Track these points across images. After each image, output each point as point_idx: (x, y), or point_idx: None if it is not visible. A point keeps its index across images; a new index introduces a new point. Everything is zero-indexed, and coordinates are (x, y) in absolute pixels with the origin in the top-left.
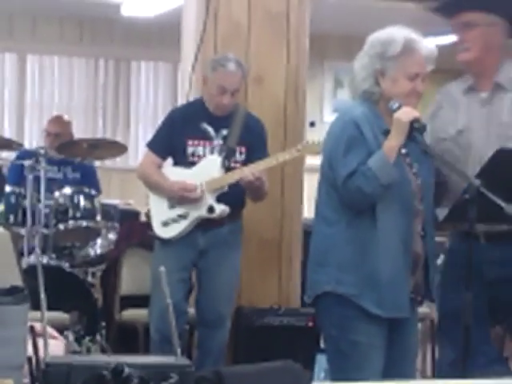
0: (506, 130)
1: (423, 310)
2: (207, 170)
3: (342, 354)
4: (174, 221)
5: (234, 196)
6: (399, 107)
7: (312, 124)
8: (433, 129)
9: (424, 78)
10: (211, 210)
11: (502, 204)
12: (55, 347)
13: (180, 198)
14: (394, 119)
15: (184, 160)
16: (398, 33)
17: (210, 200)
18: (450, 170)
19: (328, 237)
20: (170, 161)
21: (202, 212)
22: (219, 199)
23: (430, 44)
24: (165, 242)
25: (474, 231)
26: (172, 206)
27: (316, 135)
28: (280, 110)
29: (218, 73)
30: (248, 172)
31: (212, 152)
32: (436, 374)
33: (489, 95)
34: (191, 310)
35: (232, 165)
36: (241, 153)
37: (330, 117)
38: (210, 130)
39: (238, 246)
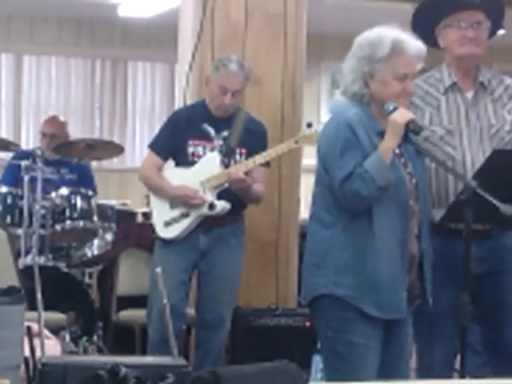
0: (497, 131)
1: None
2: (207, 167)
3: (338, 355)
4: (176, 220)
5: (235, 195)
6: (395, 109)
7: (309, 125)
8: None
9: (414, 76)
10: (212, 206)
11: (498, 204)
12: (52, 348)
13: (183, 203)
14: (390, 121)
15: (185, 160)
16: (385, 34)
17: (211, 197)
18: (445, 170)
19: (324, 239)
20: (171, 162)
21: (203, 209)
22: (221, 197)
23: (418, 42)
24: (166, 243)
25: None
26: (173, 206)
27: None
28: (277, 110)
29: (220, 73)
30: (250, 165)
31: (212, 152)
32: (422, 375)
33: (474, 95)
34: (189, 311)
35: (231, 163)
36: (241, 154)
37: (327, 117)
38: (211, 130)
39: (240, 247)
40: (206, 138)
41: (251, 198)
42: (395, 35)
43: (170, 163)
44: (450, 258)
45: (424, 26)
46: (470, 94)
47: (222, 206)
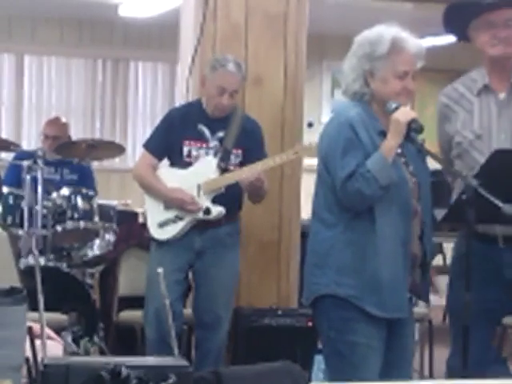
0: None
1: (421, 310)
2: (203, 171)
3: (340, 355)
4: (170, 222)
5: (231, 197)
6: (397, 108)
7: (310, 125)
8: (445, 133)
9: (414, 75)
10: (207, 211)
11: (500, 204)
12: (54, 348)
13: (178, 206)
14: (392, 120)
15: (180, 160)
16: (385, 32)
17: (206, 202)
18: (445, 170)
19: (326, 239)
20: (166, 161)
21: (198, 214)
22: (216, 200)
23: (417, 41)
24: (161, 244)
25: (492, 233)
26: (168, 207)
27: (314, 136)
28: (278, 110)
29: (218, 73)
30: (248, 173)
31: (207, 153)
32: (451, 373)
33: (507, 96)
34: (190, 311)
35: (228, 166)
36: (237, 155)
37: (328, 117)
38: (206, 131)
39: (236, 247)
40: (202, 138)
41: (262, 196)
42: (394, 33)
43: (165, 161)
44: (487, 262)
45: (455, 28)
46: (502, 95)
47: (217, 211)
